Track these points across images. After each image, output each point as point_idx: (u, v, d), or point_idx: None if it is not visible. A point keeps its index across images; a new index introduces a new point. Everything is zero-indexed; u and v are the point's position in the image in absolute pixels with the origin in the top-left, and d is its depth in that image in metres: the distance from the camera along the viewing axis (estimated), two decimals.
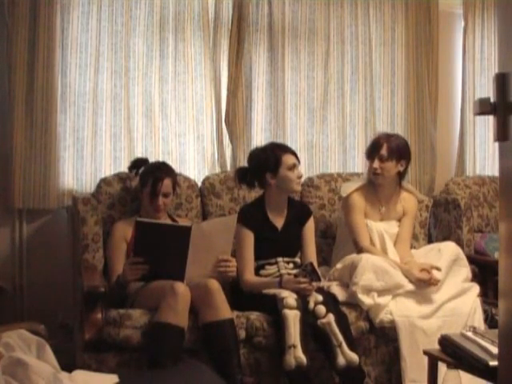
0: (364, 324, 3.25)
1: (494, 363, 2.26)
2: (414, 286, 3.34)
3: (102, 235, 3.33)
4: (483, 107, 1.46)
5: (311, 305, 3.08)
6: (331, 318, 3.03)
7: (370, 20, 4.25)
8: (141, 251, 2.98)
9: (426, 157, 4.33)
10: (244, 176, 3.48)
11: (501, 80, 1.41)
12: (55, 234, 3.69)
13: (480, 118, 4.36)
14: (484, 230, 4.18)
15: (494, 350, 2.33)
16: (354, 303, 3.27)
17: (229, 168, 3.93)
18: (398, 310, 3.26)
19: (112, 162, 3.74)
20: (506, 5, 1.43)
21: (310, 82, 4.14)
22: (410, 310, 3.28)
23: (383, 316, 3.25)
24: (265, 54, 4.04)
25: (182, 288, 2.91)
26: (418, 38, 4.33)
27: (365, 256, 3.34)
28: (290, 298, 3.03)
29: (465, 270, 3.47)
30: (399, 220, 3.67)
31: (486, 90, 4.47)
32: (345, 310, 3.20)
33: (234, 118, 3.93)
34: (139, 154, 3.74)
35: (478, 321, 3.30)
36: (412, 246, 3.74)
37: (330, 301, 3.17)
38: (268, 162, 3.37)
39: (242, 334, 3.06)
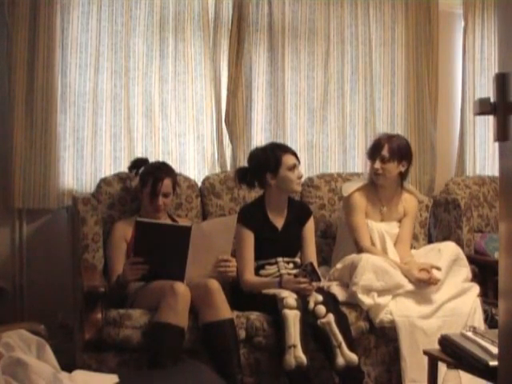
0: (364, 324, 3.25)
1: (493, 363, 2.26)
2: (413, 286, 3.34)
3: (102, 235, 3.33)
4: (483, 107, 1.46)
5: (311, 305, 3.08)
6: (331, 318, 3.04)
7: (370, 20, 4.25)
8: (141, 251, 2.98)
9: (426, 157, 4.33)
10: (244, 176, 3.48)
11: (501, 80, 1.41)
12: (55, 234, 3.69)
13: (480, 118, 4.36)
14: (484, 230, 4.18)
15: (494, 350, 2.33)
16: (354, 303, 3.27)
17: (229, 168, 3.93)
18: (398, 309, 3.26)
19: (112, 162, 3.74)
20: (506, 5, 1.43)
21: (309, 82, 4.14)
22: (409, 310, 3.28)
23: (383, 316, 3.25)
24: (265, 54, 4.04)
25: (181, 288, 2.91)
26: (418, 38, 4.33)
27: (365, 256, 3.34)
28: (290, 297, 3.03)
29: (465, 270, 3.47)
30: (400, 221, 3.67)
31: (486, 90, 4.47)
32: (345, 310, 3.20)
33: (234, 118, 3.93)
34: (139, 154, 3.74)
35: (478, 321, 3.30)
36: (412, 246, 3.74)
37: (330, 301, 3.17)
38: (268, 162, 3.37)
39: (242, 334, 3.07)
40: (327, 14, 4.15)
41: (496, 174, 4.16)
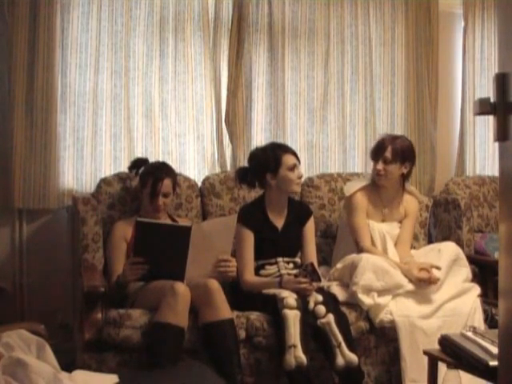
0: (364, 324, 3.25)
1: (493, 363, 2.26)
2: (414, 286, 3.34)
3: (102, 235, 3.33)
4: (483, 107, 1.45)
5: (311, 305, 3.08)
6: (331, 318, 3.04)
7: (370, 20, 4.26)
8: (141, 251, 2.97)
9: (426, 157, 4.32)
10: (244, 176, 3.48)
11: (501, 80, 1.41)
12: (55, 234, 3.69)
13: (480, 118, 4.36)
14: (484, 230, 4.18)
15: (494, 350, 2.33)
16: (354, 303, 3.27)
17: (229, 168, 3.93)
18: (398, 309, 3.26)
19: (112, 162, 3.74)
20: (506, 5, 1.43)
21: (309, 82, 4.14)
22: (410, 309, 3.28)
23: (383, 316, 3.25)
24: (265, 54, 4.04)
25: (182, 288, 2.91)
26: (418, 38, 4.33)
27: (365, 256, 3.34)
28: (290, 297, 3.03)
29: (465, 270, 3.47)
30: (401, 221, 3.67)
31: (486, 90, 4.47)
32: (345, 309, 3.20)
33: (234, 118, 3.93)
34: (139, 154, 3.74)
35: (478, 321, 3.30)
36: (412, 246, 3.74)
37: (330, 301, 3.17)
38: (268, 162, 3.37)
39: (242, 334, 3.06)
40: (327, 13, 4.15)
41: (496, 174, 4.15)
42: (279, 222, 3.45)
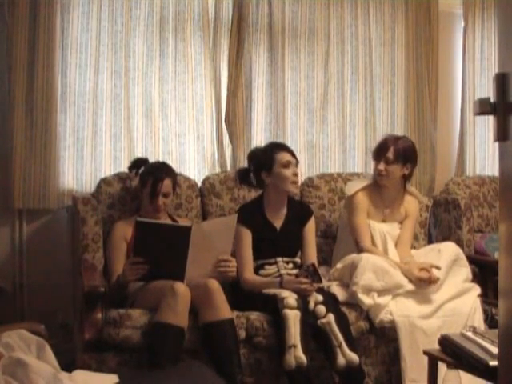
0: (364, 324, 3.25)
1: (493, 363, 2.26)
2: (414, 286, 3.34)
3: (101, 235, 3.33)
4: (483, 107, 1.45)
5: (311, 305, 3.08)
6: (331, 318, 3.03)
7: (370, 20, 4.26)
8: (141, 251, 2.97)
9: (426, 157, 4.32)
10: (245, 176, 3.49)
11: (501, 80, 1.41)
12: (55, 234, 3.69)
13: (480, 118, 4.36)
14: (484, 230, 4.18)
15: (494, 350, 2.33)
16: (354, 303, 3.27)
17: (229, 168, 3.93)
18: (398, 309, 3.26)
19: (112, 162, 3.74)
20: (506, 5, 1.43)
21: (309, 82, 4.14)
22: (410, 309, 3.27)
23: (383, 316, 3.25)
24: (265, 54, 4.04)
25: (182, 288, 2.91)
26: (418, 38, 4.33)
27: (365, 256, 3.34)
28: (291, 297, 3.02)
29: (465, 270, 3.47)
30: (401, 222, 3.67)
31: (486, 90, 4.47)
32: (345, 309, 3.20)
33: (234, 118, 3.93)
34: (139, 154, 3.74)
35: (478, 321, 3.30)
36: (412, 246, 3.74)
37: (330, 301, 3.17)
38: (262, 160, 3.39)
39: (242, 334, 3.06)
40: (327, 13, 4.15)
41: (496, 174, 4.15)
42: (278, 222, 3.45)
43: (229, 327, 2.96)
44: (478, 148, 4.56)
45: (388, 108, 4.33)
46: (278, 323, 2.99)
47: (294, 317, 2.96)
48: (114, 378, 2.35)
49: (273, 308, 3.04)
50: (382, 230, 3.59)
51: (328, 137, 4.20)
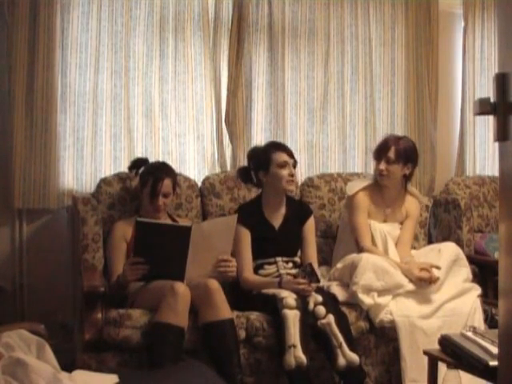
0: (364, 324, 3.25)
1: (493, 363, 2.26)
2: (414, 286, 3.34)
3: (101, 235, 3.33)
4: (483, 107, 1.45)
5: (311, 305, 3.08)
6: (331, 318, 3.03)
7: (369, 20, 4.25)
8: (141, 251, 2.97)
9: (426, 157, 4.32)
10: (246, 175, 3.50)
11: (501, 80, 1.41)
12: (55, 234, 3.69)
13: (480, 118, 4.36)
14: (484, 230, 4.18)
15: (494, 350, 2.33)
16: (354, 303, 3.27)
17: (229, 168, 3.93)
18: (398, 309, 3.26)
19: (112, 162, 3.74)
20: (506, 5, 1.43)
21: (309, 82, 4.14)
22: (410, 309, 3.28)
23: (383, 316, 3.25)
24: (265, 54, 4.04)
25: (182, 288, 2.91)
26: (418, 38, 4.33)
27: (365, 256, 3.34)
28: (290, 298, 3.03)
29: (465, 270, 3.47)
30: (402, 223, 3.67)
31: (486, 90, 4.47)
32: (345, 309, 3.20)
33: (234, 118, 3.93)
34: (139, 154, 3.74)
35: (478, 321, 3.30)
36: (412, 247, 3.74)
37: (330, 301, 3.17)
38: (259, 160, 3.39)
39: (242, 334, 3.06)
40: (327, 13, 4.15)
41: (496, 174, 4.15)
42: (276, 221, 3.45)
43: (229, 327, 2.96)
44: (478, 148, 4.56)
45: (388, 108, 4.33)
46: (278, 323, 2.99)
47: (293, 317, 2.96)
48: (114, 378, 2.34)
49: (272, 308, 3.04)
50: (382, 230, 3.59)
51: (328, 137, 4.20)
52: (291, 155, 3.42)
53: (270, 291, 3.15)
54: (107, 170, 3.71)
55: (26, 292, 3.65)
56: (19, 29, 3.50)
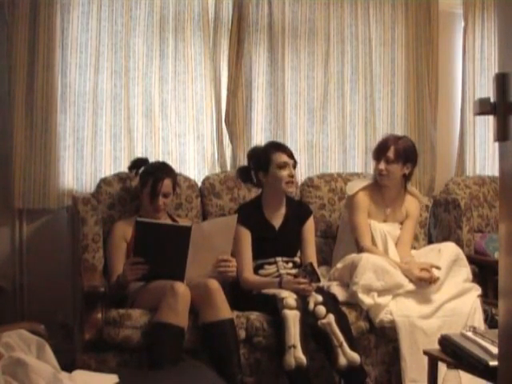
0: (364, 324, 3.25)
1: (493, 363, 2.26)
2: (414, 286, 3.34)
3: (101, 235, 3.33)
4: (483, 107, 1.45)
5: (311, 305, 3.08)
6: (331, 318, 3.03)
7: (369, 20, 4.25)
8: (141, 251, 2.97)
9: (426, 157, 4.32)
10: (246, 175, 3.50)
11: (501, 80, 1.41)
12: (55, 234, 3.69)
13: (480, 118, 4.36)
14: (484, 230, 4.18)
15: (494, 350, 2.33)
16: (354, 303, 3.27)
17: (229, 168, 3.93)
18: (398, 309, 3.26)
19: (112, 162, 3.74)
20: (506, 5, 1.43)
21: (309, 82, 4.14)
22: (410, 309, 3.28)
23: (383, 316, 3.25)
24: (265, 54, 4.04)
25: (182, 288, 2.91)
26: (418, 38, 4.33)
27: (365, 256, 3.34)
28: (290, 298, 3.03)
29: (465, 270, 3.47)
30: (402, 222, 3.67)
31: (486, 90, 4.47)
32: (345, 309, 3.20)
33: (234, 118, 3.93)
34: (139, 154, 3.74)
35: (478, 321, 3.30)
36: (412, 247, 3.74)
37: (330, 301, 3.17)
38: (259, 160, 3.39)
39: (242, 334, 3.07)
40: (327, 14, 4.15)
41: (496, 174, 4.15)
42: (277, 221, 3.45)
43: (229, 327, 2.96)
44: (478, 148, 4.55)
45: (388, 108, 4.33)
46: (278, 323, 2.99)
47: (293, 317, 2.96)
48: (114, 378, 2.34)
49: (272, 308, 3.04)
50: (382, 230, 3.59)
51: (328, 137, 4.20)
52: (291, 156, 3.42)
53: (270, 291, 3.15)
54: (107, 170, 3.71)
55: (25, 292, 3.65)
56: (19, 29, 3.50)
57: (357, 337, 3.17)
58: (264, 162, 3.38)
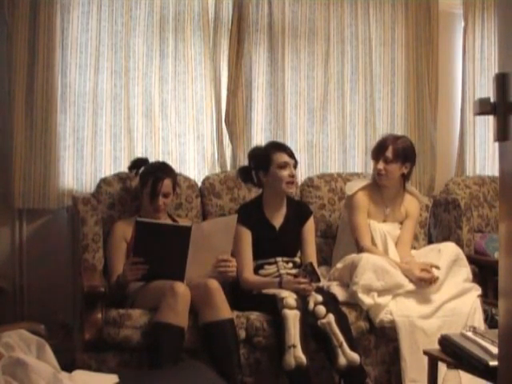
0: (364, 324, 3.25)
1: (493, 363, 2.26)
2: (414, 286, 3.34)
3: (101, 235, 3.33)
4: (483, 107, 1.45)
5: (311, 305, 3.08)
6: (331, 318, 3.03)
7: (369, 20, 4.25)
8: (141, 251, 2.97)
9: (426, 157, 4.32)
10: (246, 175, 3.50)
11: (501, 80, 1.41)
12: (55, 233, 3.69)
13: (480, 118, 4.36)
14: (484, 230, 4.18)
15: (494, 350, 2.33)
16: (354, 303, 3.27)
17: (229, 168, 3.93)
18: (398, 309, 3.26)
19: (112, 162, 3.74)
20: (506, 5, 1.43)
21: (309, 82, 4.14)
22: (410, 309, 3.28)
23: (383, 316, 3.25)
24: (265, 54, 4.04)
25: (181, 288, 2.91)
26: (418, 38, 4.33)
27: (365, 256, 3.34)
28: (290, 297, 3.03)
29: (465, 270, 3.47)
30: (401, 222, 3.67)
31: (486, 90, 4.47)
32: (345, 309, 3.20)
33: (234, 118, 3.93)
34: (139, 154, 3.74)
35: (478, 321, 3.30)
36: (412, 247, 3.74)
37: (330, 301, 3.17)
38: (259, 160, 3.39)
39: (242, 334, 3.07)
40: (327, 13, 4.15)
41: (496, 174, 4.15)
42: (277, 222, 3.45)
43: (229, 327, 2.96)
44: (478, 148, 4.55)
45: (388, 108, 4.33)
46: (278, 323, 2.99)
47: (293, 317, 2.96)
48: (114, 378, 2.34)
49: (272, 308, 3.04)
50: (382, 230, 3.59)
51: (328, 137, 4.20)
52: (292, 156, 3.42)
53: (271, 291, 3.15)
54: (107, 170, 3.71)
55: (25, 292, 3.65)
56: (19, 29, 3.50)
57: (357, 337, 3.17)
58: (264, 161, 3.38)
